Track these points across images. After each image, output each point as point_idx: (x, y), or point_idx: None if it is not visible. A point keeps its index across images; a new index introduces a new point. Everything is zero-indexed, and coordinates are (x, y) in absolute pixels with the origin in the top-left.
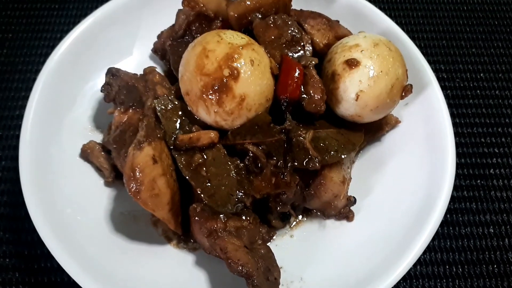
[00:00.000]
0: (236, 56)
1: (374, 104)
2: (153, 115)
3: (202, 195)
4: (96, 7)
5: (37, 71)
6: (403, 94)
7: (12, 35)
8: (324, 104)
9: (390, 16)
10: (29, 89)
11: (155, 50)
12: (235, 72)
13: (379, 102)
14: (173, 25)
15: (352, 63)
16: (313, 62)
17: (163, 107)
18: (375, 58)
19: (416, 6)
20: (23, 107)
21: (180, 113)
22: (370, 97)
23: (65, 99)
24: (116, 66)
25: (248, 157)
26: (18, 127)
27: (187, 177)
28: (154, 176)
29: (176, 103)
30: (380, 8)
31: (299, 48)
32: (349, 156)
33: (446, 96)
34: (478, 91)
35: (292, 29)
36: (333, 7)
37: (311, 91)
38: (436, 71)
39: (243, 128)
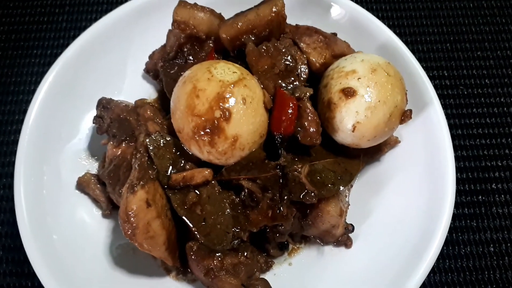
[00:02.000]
0: (227, 95)
1: (371, 134)
2: (146, 154)
3: (198, 235)
4: (88, 20)
5: (30, 92)
6: (402, 119)
7: (1, 52)
8: (319, 137)
9: (389, 18)
10: (22, 112)
11: (147, 71)
12: (227, 113)
13: (377, 132)
14: (164, 45)
15: (348, 93)
16: (308, 94)
17: (155, 145)
18: (373, 86)
19: (418, 5)
20: (17, 132)
21: (173, 149)
22: (367, 128)
23: (58, 128)
24: (110, 88)
25: (243, 192)
26: (14, 152)
27: (183, 217)
28: (149, 219)
29: (169, 139)
30: (379, 9)
31: (293, 78)
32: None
33: (449, 106)
34: (482, 99)
35: (286, 58)
36: (331, 17)
37: (306, 124)
38: (439, 78)
39: (237, 165)
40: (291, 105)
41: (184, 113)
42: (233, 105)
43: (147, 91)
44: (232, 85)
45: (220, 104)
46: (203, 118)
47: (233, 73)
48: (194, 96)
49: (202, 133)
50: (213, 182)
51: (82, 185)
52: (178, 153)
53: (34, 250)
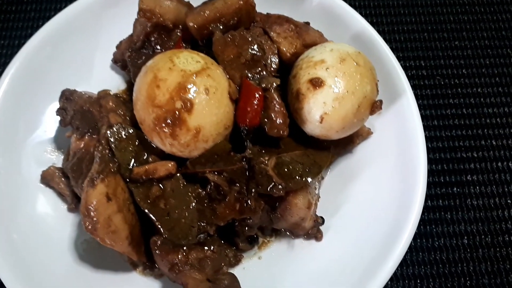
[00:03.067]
0: (189, 85)
1: (339, 126)
2: (107, 146)
3: (161, 229)
4: (57, 8)
5: None
6: (372, 110)
7: None
8: (286, 129)
9: (366, 6)
10: None
11: (115, 61)
12: (188, 104)
13: (345, 124)
14: (132, 34)
15: (316, 83)
16: (275, 84)
17: (117, 137)
18: (341, 76)
19: None
20: None
21: (136, 142)
22: (335, 120)
23: (22, 122)
24: (77, 79)
25: (209, 185)
26: None
27: (145, 210)
28: (109, 213)
29: (131, 131)
30: None
31: (260, 69)
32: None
33: (426, 96)
34: (459, 89)
35: (252, 47)
36: (304, 6)
37: (272, 115)
38: (415, 68)
39: (202, 157)
40: (256, 95)
41: (144, 104)
42: (195, 95)
43: (116, 82)
44: (195, 75)
45: (181, 94)
46: (163, 109)
47: (196, 62)
48: (155, 86)
49: (163, 124)
50: (177, 175)
51: (46, 179)
52: (141, 145)
53: None
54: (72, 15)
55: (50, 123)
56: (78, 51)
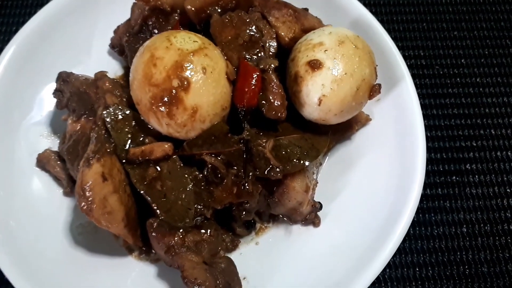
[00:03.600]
0: (186, 64)
1: (338, 108)
2: (103, 127)
3: (158, 211)
4: None
5: None
6: (371, 94)
7: None
8: (284, 111)
9: None
10: None
11: (112, 46)
12: (185, 82)
13: (343, 106)
14: (130, 19)
15: (314, 65)
16: (273, 66)
17: (113, 118)
18: (339, 58)
19: None
20: None
21: (132, 123)
22: (333, 102)
23: (18, 105)
24: (74, 65)
25: (206, 167)
26: None
27: (141, 192)
28: (105, 194)
29: (128, 112)
30: None
31: (258, 50)
32: (313, 162)
33: (424, 85)
34: (458, 79)
35: (250, 27)
36: None
37: (270, 97)
38: (414, 57)
39: (199, 139)
40: (254, 76)
41: (141, 83)
42: (192, 74)
43: (113, 68)
44: (192, 54)
45: (178, 73)
46: (160, 88)
47: (193, 42)
48: (152, 65)
49: (160, 104)
50: (174, 157)
51: (42, 162)
52: (138, 127)
53: None
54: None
55: (46, 107)
56: (76, 36)
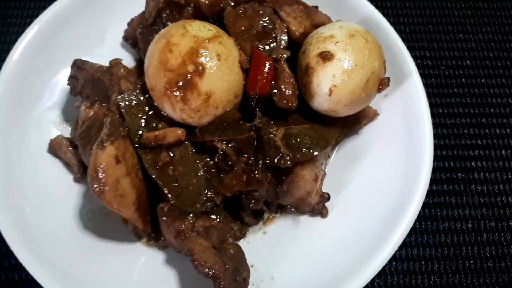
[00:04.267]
0: (201, 50)
1: (348, 99)
2: (118, 112)
3: (169, 195)
4: None
5: (3, 60)
6: (380, 87)
7: None
8: (295, 100)
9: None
10: None
11: (126, 38)
12: (200, 67)
13: (353, 97)
14: (144, 12)
15: (325, 56)
16: (285, 56)
17: (127, 103)
18: (350, 50)
19: None
20: None
21: (146, 109)
22: (344, 92)
23: (31, 92)
24: (87, 55)
25: (218, 155)
26: None
27: (153, 176)
28: (118, 176)
29: (142, 98)
30: None
31: (271, 40)
32: (322, 152)
33: (430, 85)
34: (463, 79)
35: (264, 19)
36: None
37: (282, 86)
38: (420, 58)
39: (211, 125)
40: (267, 64)
41: (156, 69)
42: (207, 60)
43: (126, 60)
44: (207, 41)
45: (194, 58)
46: (175, 73)
47: (208, 30)
48: (167, 50)
49: (174, 88)
50: (186, 143)
51: (54, 148)
52: (151, 112)
53: (2, 213)
54: None
55: (57, 95)
56: (90, 28)
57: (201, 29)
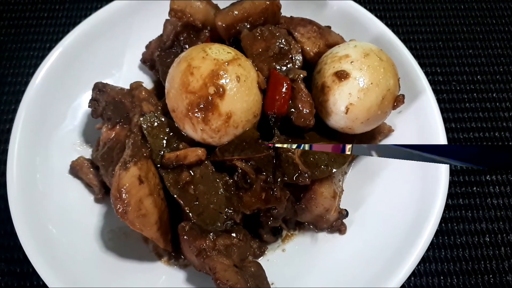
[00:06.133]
0: (221, 72)
1: (364, 116)
2: (140, 133)
3: (190, 214)
4: (86, 16)
5: (27, 83)
6: (395, 104)
7: (0, 46)
8: (313, 118)
9: (383, 17)
10: (19, 101)
11: (144, 61)
12: (221, 89)
13: (370, 115)
14: (161, 35)
15: (341, 75)
16: (302, 76)
17: (149, 124)
18: (365, 69)
19: (411, 6)
20: (13, 120)
21: (167, 129)
22: (360, 110)
23: (53, 114)
24: (106, 78)
25: (237, 173)
26: (7, 141)
27: (175, 196)
28: (141, 196)
29: (163, 119)
30: (373, 9)
31: (287, 61)
32: (340, 169)
33: (442, 100)
34: (474, 94)
35: (280, 41)
36: (325, 12)
37: (299, 105)
38: (432, 74)
39: (231, 145)
40: (285, 84)
41: (178, 91)
42: (227, 82)
43: (144, 82)
44: (227, 63)
45: (214, 80)
46: (197, 95)
47: (227, 53)
48: (189, 73)
49: (196, 109)
50: (206, 162)
51: (75, 169)
52: (172, 133)
53: (27, 233)
54: (105, 15)
55: (79, 117)
56: (109, 51)
57: (221, 52)
